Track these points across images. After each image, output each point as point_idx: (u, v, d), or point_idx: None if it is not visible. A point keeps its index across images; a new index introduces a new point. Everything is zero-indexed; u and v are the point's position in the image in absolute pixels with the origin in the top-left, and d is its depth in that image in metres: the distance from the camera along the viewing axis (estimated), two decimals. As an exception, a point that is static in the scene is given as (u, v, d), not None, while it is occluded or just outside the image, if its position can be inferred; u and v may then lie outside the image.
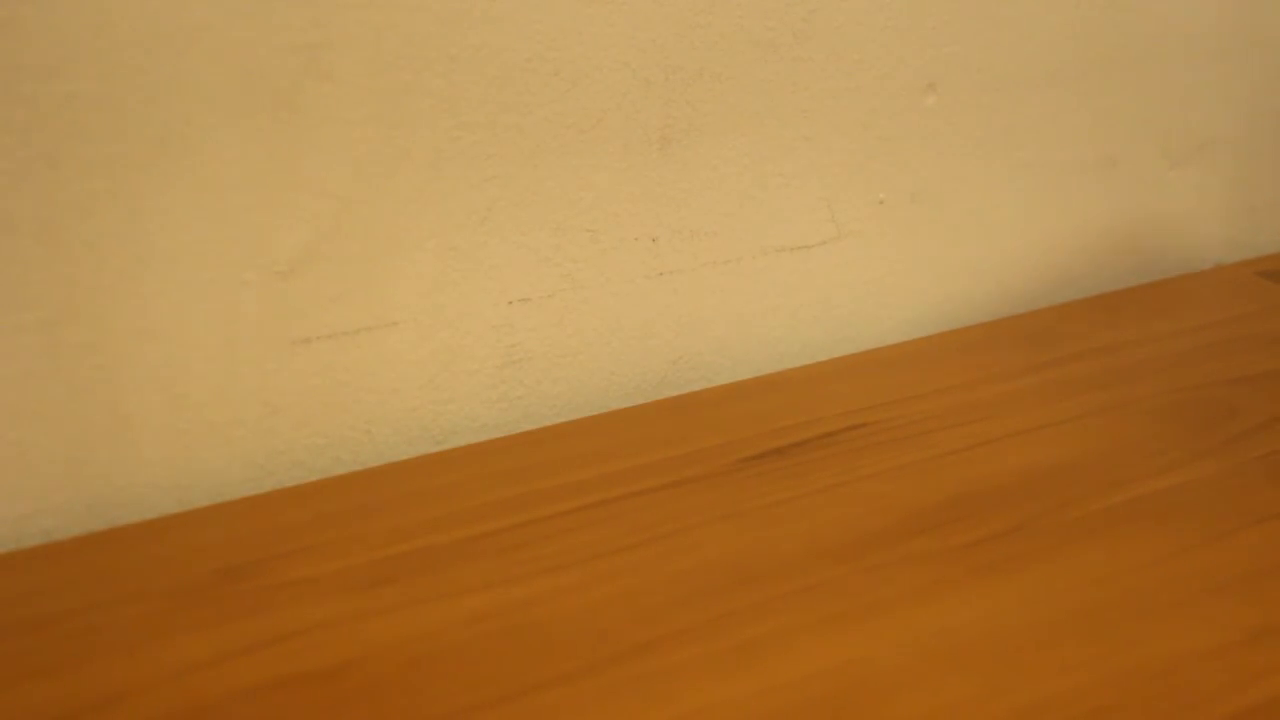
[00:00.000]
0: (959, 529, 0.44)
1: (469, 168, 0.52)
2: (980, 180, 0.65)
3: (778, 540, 0.43)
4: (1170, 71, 0.70)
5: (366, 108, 0.49)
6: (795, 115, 0.59)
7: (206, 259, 0.48)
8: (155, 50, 0.45)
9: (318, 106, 0.48)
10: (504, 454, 0.50)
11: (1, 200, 0.44)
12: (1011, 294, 0.69)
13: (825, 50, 0.58)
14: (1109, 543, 0.43)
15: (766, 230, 0.60)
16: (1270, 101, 0.75)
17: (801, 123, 0.59)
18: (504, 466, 0.49)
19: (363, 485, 0.48)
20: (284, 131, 0.48)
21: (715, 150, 0.57)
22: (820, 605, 0.40)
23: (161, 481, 0.50)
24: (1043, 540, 0.43)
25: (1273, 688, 0.36)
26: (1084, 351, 0.59)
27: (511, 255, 0.54)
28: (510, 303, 0.55)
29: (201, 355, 0.49)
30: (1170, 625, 0.38)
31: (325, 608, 0.40)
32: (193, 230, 0.47)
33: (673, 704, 0.35)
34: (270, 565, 0.42)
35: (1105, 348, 0.60)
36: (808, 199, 0.61)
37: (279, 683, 0.36)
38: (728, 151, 0.58)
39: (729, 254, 0.59)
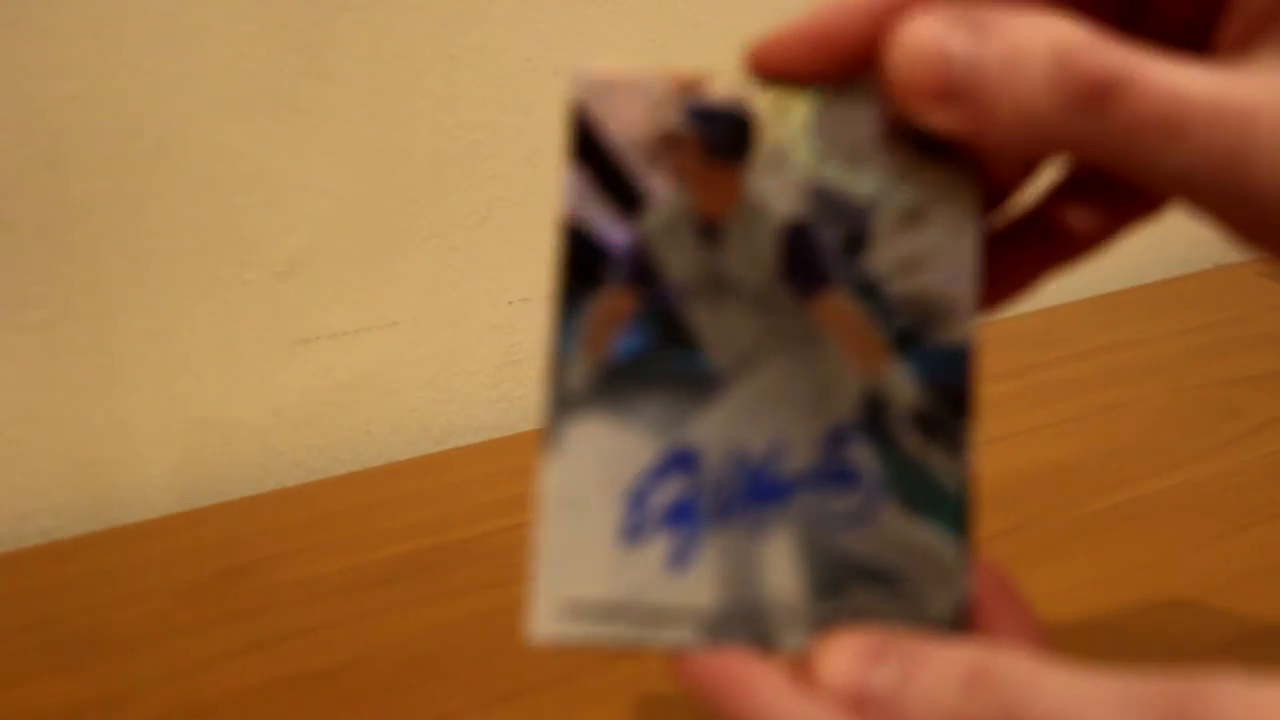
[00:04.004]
0: (959, 529, 0.44)
1: (469, 168, 0.52)
2: (980, 180, 0.65)
3: (778, 540, 0.43)
4: (1170, 71, 0.70)
5: (366, 108, 0.49)
6: (795, 115, 0.59)
7: (206, 259, 0.48)
8: (155, 50, 0.45)
9: (318, 106, 0.48)
10: (504, 454, 0.50)
11: (1, 200, 0.44)
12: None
13: (825, 50, 0.58)
14: (1109, 543, 0.43)
15: (766, 230, 0.60)
16: (1270, 101, 0.75)
17: (801, 123, 0.59)
18: (504, 466, 0.49)
19: (363, 485, 0.48)
20: (284, 131, 0.48)
21: (715, 150, 0.57)
22: (820, 605, 0.40)
23: (161, 481, 0.50)
24: (1043, 540, 0.43)
25: None
26: (1084, 351, 0.59)
27: (511, 255, 0.54)
28: (510, 303, 0.55)
29: (201, 355, 0.49)
30: (1170, 625, 0.38)
31: (325, 608, 0.40)
32: (193, 230, 0.47)
33: (673, 703, 0.35)
34: (270, 565, 0.42)
35: (1105, 348, 0.60)
36: (808, 199, 0.61)
37: (279, 683, 0.36)
38: (728, 151, 0.58)
39: (729, 254, 0.59)
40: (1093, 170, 0.23)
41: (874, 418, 0.21)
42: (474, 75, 0.51)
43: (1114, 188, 0.23)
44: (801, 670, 0.20)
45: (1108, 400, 0.54)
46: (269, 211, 0.49)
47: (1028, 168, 0.24)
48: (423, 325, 0.53)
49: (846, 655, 0.19)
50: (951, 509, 0.21)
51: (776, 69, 0.21)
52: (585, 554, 0.21)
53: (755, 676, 0.20)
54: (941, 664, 0.18)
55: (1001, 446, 0.50)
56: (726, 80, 0.21)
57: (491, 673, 0.36)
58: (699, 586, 0.21)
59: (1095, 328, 0.62)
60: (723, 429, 0.21)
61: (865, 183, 0.21)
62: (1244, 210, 0.19)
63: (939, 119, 0.20)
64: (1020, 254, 0.23)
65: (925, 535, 0.21)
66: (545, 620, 0.21)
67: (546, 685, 0.36)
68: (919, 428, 0.21)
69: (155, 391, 0.48)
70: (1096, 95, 0.18)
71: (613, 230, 0.21)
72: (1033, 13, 0.19)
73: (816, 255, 0.21)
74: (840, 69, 0.21)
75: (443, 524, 0.45)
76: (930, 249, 0.21)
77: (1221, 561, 0.41)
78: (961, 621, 0.21)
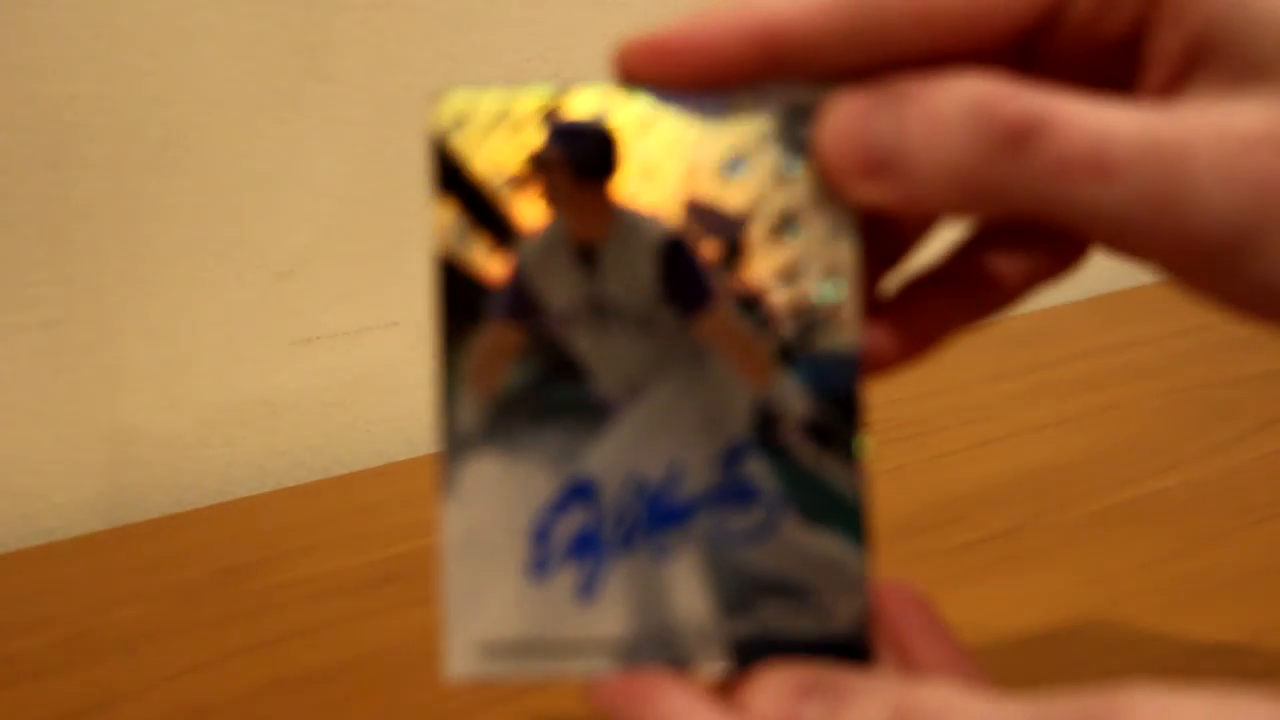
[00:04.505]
0: (959, 529, 0.44)
1: (469, 168, 0.52)
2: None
3: (778, 540, 0.43)
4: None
5: (366, 108, 0.49)
6: (795, 115, 0.59)
7: (206, 259, 0.48)
8: (155, 50, 0.45)
9: (318, 106, 0.48)
10: (504, 454, 0.50)
11: (1, 200, 0.44)
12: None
13: (825, 50, 0.58)
14: (1109, 543, 0.43)
15: (766, 230, 0.60)
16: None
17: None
18: (504, 466, 0.49)
19: (363, 485, 0.48)
20: (284, 131, 0.48)
21: (715, 150, 0.57)
22: (820, 605, 0.40)
23: (161, 481, 0.50)
24: (1043, 540, 0.43)
25: (1274, 688, 0.35)
26: (1084, 351, 0.59)
27: (511, 255, 0.54)
28: (510, 303, 0.55)
29: (201, 355, 0.49)
30: (1170, 626, 0.38)
31: (325, 608, 0.40)
32: (192, 230, 0.47)
33: (672, 704, 0.35)
34: (270, 565, 0.42)
35: (1105, 348, 0.60)
36: (808, 199, 0.61)
37: (279, 683, 0.36)
38: (728, 151, 0.58)
39: (729, 254, 0.59)
40: (1018, 220, 0.23)
41: (767, 432, 0.21)
42: (474, 75, 0.51)
43: (1035, 237, 0.23)
44: (720, 692, 0.20)
45: (1108, 400, 0.54)
46: (269, 211, 0.49)
47: (928, 222, 0.24)
48: (423, 325, 0.53)
49: (775, 692, 0.20)
50: (851, 517, 0.21)
51: (645, 77, 0.20)
52: (494, 594, 0.21)
53: (668, 688, 0.20)
54: (868, 700, 0.19)
55: (1001, 446, 0.50)
56: (589, 94, 0.21)
57: (491, 673, 0.36)
58: (609, 615, 0.21)
59: (1095, 328, 0.62)
60: (618, 457, 0.21)
61: (737, 193, 0.21)
62: (1179, 251, 0.19)
63: (869, 194, 0.20)
64: (934, 306, 0.23)
65: (827, 545, 0.21)
66: (460, 662, 0.21)
67: (546, 686, 0.36)
68: (812, 438, 0.21)
69: (155, 391, 0.48)
70: (1017, 138, 0.18)
71: (488, 263, 0.21)
72: (948, 75, 0.19)
73: (695, 271, 0.21)
74: (712, 82, 0.20)
75: (443, 524, 0.45)
76: (808, 255, 0.21)
77: (1221, 561, 0.41)
78: (867, 628, 0.21)
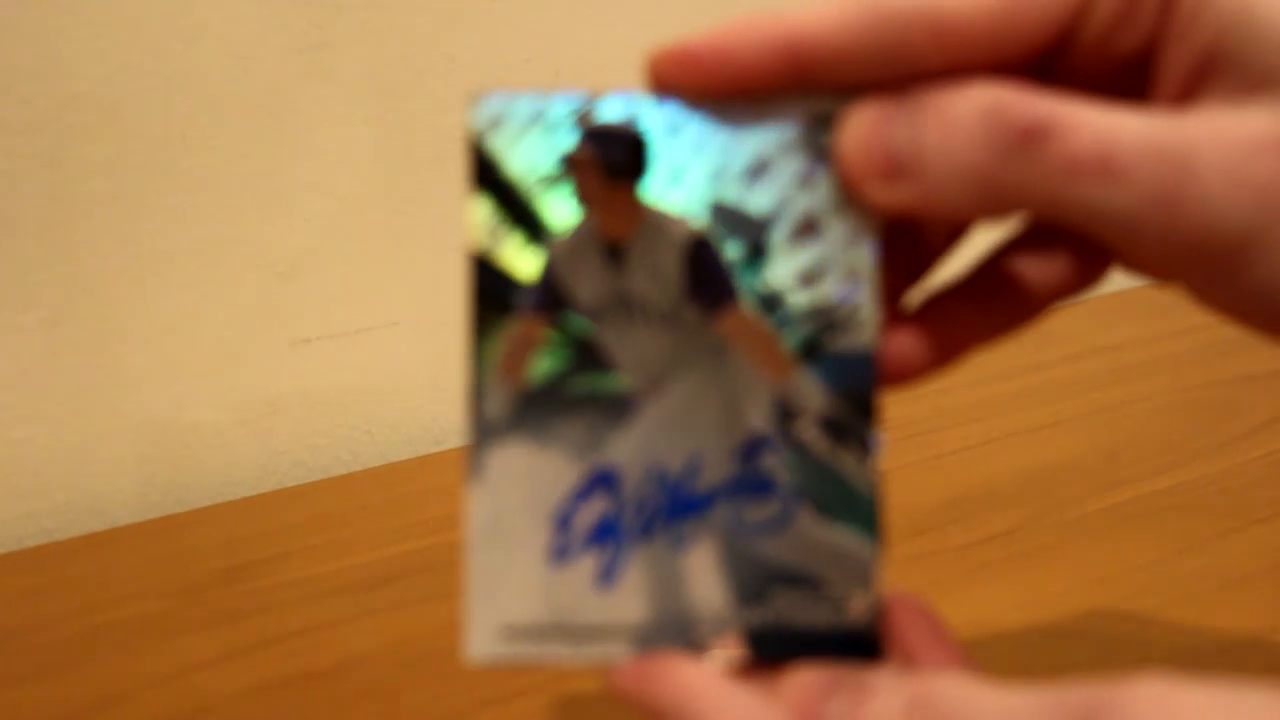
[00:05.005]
0: (959, 529, 0.44)
1: (469, 168, 0.52)
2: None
3: (778, 540, 0.43)
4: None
5: (366, 108, 0.49)
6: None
7: (206, 259, 0.48)
8: (155, 50, 0.45)
9: (318, 106, 0.48)
10: (504, 454, 0.50)
11: (1, 200, 0.44)
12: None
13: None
14: (1109, 543, 0.43)
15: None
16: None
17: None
18: (504, 466, 0.49)
19: (363, 485, 0.48)
20: (284, 131, 0.48)
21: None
22: (820, 605, 0.40)
23: (161, 481, 0.50)
24: (1043, 540, 0.43)
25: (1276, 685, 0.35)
26: (1084, 351, 0.59)
27: (511, 255, 0.54)
28: (510, 303, 0.55)
29: (201, 355, 0.49)
30: (1170, 626, 0.38)
31: (325, 608, 0.40)
32: (193, 230, 0.47)
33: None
34: (270, 565, 0.42)
35: (1105, 348, 0.60)
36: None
37: (279, 683, 0.36)
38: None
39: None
40: (1039, 227, 0.24)
41: (785, 426, 0.22)
42: (474, 75, 0.51)
43: (1058, 250, 0.23)
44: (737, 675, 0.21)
45: (1108, 400, 0.54)
46: (269, 211, 0.49)
47: (954, 234, 0.25)
48: (423, 325, 0.53)
49: (802, 687, 0.20)
50: (865, 511, 0.22)
51: (675, 84, 0.21)
52: (516, 578, 0.21)
53: (684, 668, 0.21)
54: (886, 694, 0.19)
55: (1001, 446, 0.50)
56: (620, 100, 0.22)
57: (491, 673, 0.36)
58: (628, 602, 0.21)
59: (1095, 328, 0.62)
60: (640, 447, 0.22)
61: (761, 197, 0.22)
62: (1182, 254, 0.20)
63: (887, 196, 0.21)
64: (959, 318, 0.24)
65: (841, 538, 0.22)
66: (480, 644, 0.21)
67: (546, 686, 0.36)
68: (829, 434, 0.22)
69: (155, 392, 0.48)
70: (1026, 140, 0.19)
71: (520, 259, 0.22)
72: (963, 83, 0.20)
73: (719, 270, 0.22)
74: (739, 90, 0.21)
75: (443, 524, 0.45)
76: (828, 258, 0.22)
77: (1221, 561, 0.41)
78: (879, 622, 0.21)
